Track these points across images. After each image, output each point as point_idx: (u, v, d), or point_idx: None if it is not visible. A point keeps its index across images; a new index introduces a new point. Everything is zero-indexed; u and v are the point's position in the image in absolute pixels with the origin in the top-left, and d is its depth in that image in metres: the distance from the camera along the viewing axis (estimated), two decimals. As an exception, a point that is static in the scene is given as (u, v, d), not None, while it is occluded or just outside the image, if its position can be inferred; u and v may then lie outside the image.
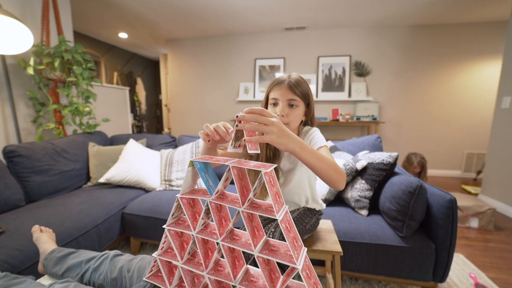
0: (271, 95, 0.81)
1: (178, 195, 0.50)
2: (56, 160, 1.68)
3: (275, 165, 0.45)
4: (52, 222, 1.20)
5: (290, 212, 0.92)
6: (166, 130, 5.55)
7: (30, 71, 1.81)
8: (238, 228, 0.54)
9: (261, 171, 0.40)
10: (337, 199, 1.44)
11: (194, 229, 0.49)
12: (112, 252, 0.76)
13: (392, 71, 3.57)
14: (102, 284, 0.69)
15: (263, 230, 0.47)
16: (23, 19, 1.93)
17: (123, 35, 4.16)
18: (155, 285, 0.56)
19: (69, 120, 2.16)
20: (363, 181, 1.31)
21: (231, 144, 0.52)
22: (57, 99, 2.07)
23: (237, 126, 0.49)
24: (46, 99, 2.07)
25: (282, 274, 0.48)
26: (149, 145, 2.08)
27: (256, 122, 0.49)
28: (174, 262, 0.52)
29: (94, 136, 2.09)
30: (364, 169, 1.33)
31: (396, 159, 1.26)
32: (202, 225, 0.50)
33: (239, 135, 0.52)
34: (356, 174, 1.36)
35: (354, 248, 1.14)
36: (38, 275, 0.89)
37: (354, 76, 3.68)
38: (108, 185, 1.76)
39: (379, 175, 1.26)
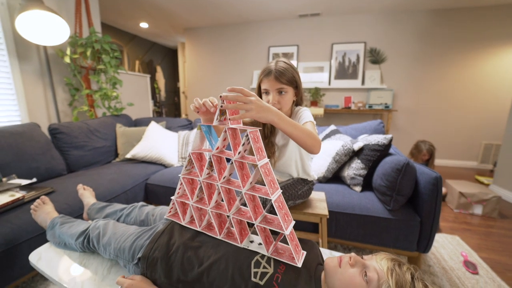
0: (262, 86, 0.93)
1: (190, 151, 0.67)
2: (90, 138, 1.95)
3: (259, 128, 0.60)
4: (89, 187, 1.45)
5: (285, 181, 1.07)
6: (183, 116, 5.83)
7: (67, 59, 2.06)
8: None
9: (246, 129, 0.56)
10: (334, 178, 1.57)
11: (201, 176, 0.66)
12: (140, 203, 0.97)
13: (408, 58, 3.49)
14: (133, 224, 0.90)
15: (251, 178, 0.63)
16: (59, 13, 2.17)
17: (144, 25, 4.38)
18: (173, 221, 0.74)
19: (99, 104, 2.43)
20: (359, 161, 1.42)
21: (216, 119, 0.61)
22: (89, 85, 2.32)
23: (221, 106, 0.59)
24: (80, 85, 2.34)
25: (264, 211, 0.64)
26: (168, 127, 2.30)
27: (237, 101, 0.58)
28: (187, 202, 0.70)
29: (121, 118, 2.34)
30: (361, 150, 1.44)
31: (391, 140, 1.35)
32: (207, 174, 0.67)
33: (223, 111, 0.61)
34: (353, 155, 1.47)
35: (346, 218, 1.27)
36: (83, 222, 1.13)
37: (369, 63, 3.65)
38: (134, 160, 2.01)
39: (374, 155, 1.36)
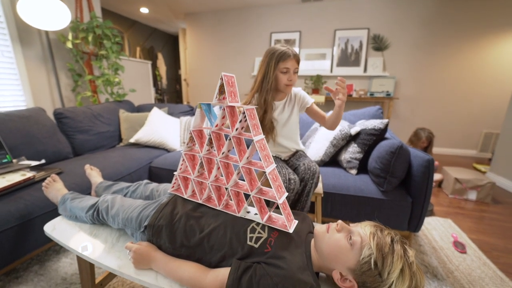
0: (283, 65, 1.05)
1: (191, 129, 0.71)
2: (94, 123, 1.99)
3: (255, 106, 0.64)
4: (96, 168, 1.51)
5: (289, 156, 1.22)
6: (185, 104, 5.85)
7: (69, 45, 2.08)
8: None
9: (242, 107, 0.60)
10: (331, 162, 1.62)
11: (201, 152, 0.70)
12: (145, 181, 1.03)
13: (412, 45, 3.44)
14: (139, 199, 0.96)
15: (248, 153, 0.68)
16: (60, -3, 2.16)
17: (144, 9, 4.31)
18: (176, 195, 0.80)
19: (102, 89, 2.46)
20: (355, 145, 1.46)
21: (216, 98, 0.67)
22: (91, 71, 2.35)
23: (221, 85, 0.64)
24: (82, 70, 2.36)
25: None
26: (170, 113, 2.34)
27: (343, 88, 0.91)
28: (188, 176, 0.75)
29: (123, 104, 2.38)
30: (358, 134, 1.48)
31: (387, 125, 1.38)
32: (207, 150, 0.71)
33: (222, 90, 0.66)
34: (350, 139, 1.51)
35: (340, 199, 1.33)
36: (91, 200, 1.20)
37: (371, 50, 3.60)
38: (137, 145, 2.06)
39: (370, 140, 1.40)
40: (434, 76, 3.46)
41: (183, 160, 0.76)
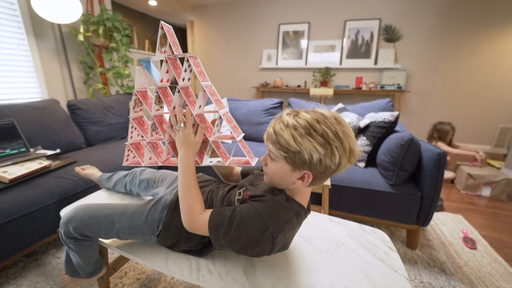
0: None
1: (135, 90, 0.70)
2: (106, 114, 2.04)
3: (196, 55, 0.65)
4: (108, 158, 1.56)
5: None
6: (193, 97, 5.88)
7: (81, 37, 2.11)
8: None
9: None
10: (340, 154, 1.60)
11: (151, 112, 0.69)
12: (138, 169, 1.02)
13: (426, 36, 3.31)
14: (137, 188, 0.99)
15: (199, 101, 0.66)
16: (71, -10, 2.19)
17: (152, 2, 4.32)
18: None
19: (113, 82, 2.50)
20: (364, 138, 1.44)
21: (158, 49, 0.65)
22: (102, 63, 2.39)
23: (162, 34, 0.64)
24: (94, 63, 2.40)
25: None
26: (178, 106, 2.36)
27: None
28: (142, 142, 0.74)
29: (133, 97, 2.42)
30: (367, 127, 1.45)
31: (397, 118, 1.36)
32: (157, 110, 0.69)
33: (163, 41, 0.64)
34: (359, 132, 1.49)
35: (348, 192, 1.32)
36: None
37: (383, 42, 3.50)
38: (146, 137, 2.10)
39: (379, 132, 1.38)
40: (448, 68, 3.33)
41: (132, 127, 0.74)
